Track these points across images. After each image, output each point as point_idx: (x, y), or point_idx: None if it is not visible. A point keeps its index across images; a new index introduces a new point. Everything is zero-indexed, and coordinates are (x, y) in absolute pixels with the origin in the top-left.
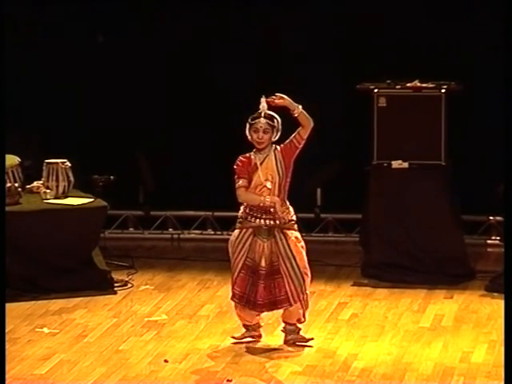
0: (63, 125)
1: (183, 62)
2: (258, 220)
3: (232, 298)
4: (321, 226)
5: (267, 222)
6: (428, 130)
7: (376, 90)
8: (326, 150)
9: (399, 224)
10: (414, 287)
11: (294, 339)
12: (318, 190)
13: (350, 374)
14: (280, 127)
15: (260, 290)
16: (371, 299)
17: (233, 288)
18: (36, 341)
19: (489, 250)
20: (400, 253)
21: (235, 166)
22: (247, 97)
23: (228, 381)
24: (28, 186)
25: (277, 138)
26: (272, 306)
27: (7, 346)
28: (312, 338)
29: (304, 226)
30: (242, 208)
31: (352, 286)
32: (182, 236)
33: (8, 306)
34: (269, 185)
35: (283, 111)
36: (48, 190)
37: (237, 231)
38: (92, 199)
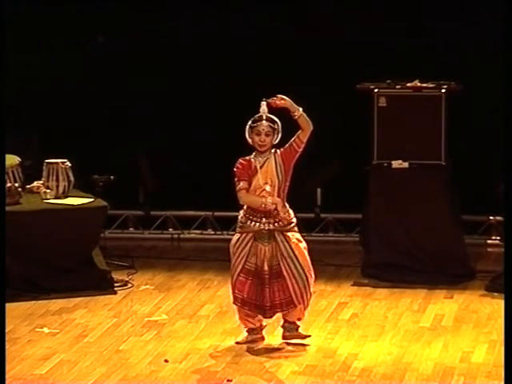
0: (63, 125)
1: (183, 61)
2: (258, 224)
3: (234, 303)
4: (321, 226)
5: (267, 225)
6: (428, 130)
7: (376, 90)
8: (325, 149)
9: (399, 224)
10: (414, 287)
11: (292, 336)
12: (318, 190)
13: (350, 374)
14: (280, 130)
15: (266, 295)
16: (371, 299)
17: (233, 292)
18: (36, 341)
19: (489, 249)
20: (400, 253)
21: (235, 169)
22: (247, 97)
23: (228, 381)
24: (28, 186)
25: (277, 141)
26: (277, 308)
27: (7, 346)
28: (309, 335)
29: (304, 226)
30: (242, 212)
31: (352, 285)
32: (182, 236)
33: (8, 306)
34: (268, 188)
35: (283, 114)
36: (48, 190)
37: (237, 235)
38: (92, 199)
